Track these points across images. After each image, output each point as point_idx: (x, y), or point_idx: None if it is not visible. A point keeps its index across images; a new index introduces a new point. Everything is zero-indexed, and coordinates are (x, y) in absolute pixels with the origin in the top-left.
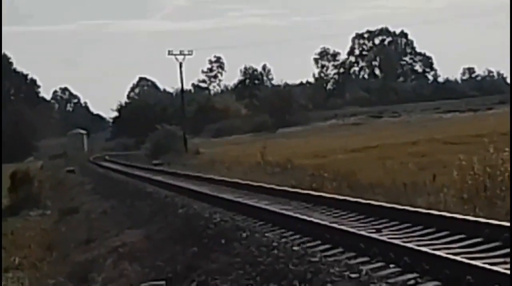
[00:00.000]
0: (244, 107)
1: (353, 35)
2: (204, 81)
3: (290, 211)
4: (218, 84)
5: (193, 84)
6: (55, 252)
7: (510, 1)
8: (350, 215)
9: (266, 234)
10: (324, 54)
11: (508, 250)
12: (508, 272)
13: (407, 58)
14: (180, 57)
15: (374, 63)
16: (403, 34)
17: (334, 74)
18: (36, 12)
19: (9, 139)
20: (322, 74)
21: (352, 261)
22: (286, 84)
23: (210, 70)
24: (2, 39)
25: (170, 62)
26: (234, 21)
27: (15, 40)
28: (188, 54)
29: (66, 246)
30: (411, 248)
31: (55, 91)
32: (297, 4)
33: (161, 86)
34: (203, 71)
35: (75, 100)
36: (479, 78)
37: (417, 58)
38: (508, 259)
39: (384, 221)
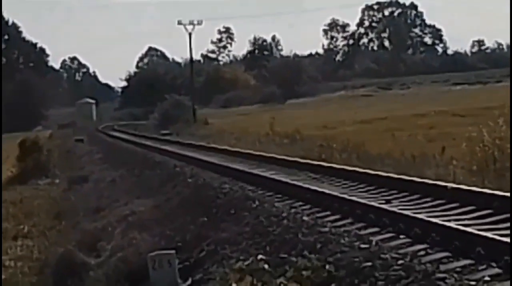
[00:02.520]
0: (253, 78)
1: (363, 6)
2: (213, 51)
3: (300, 181)
4: (227, 55)
5: (202, 55)
6: (64, 221)
7: None
8: (360, 186)
9: (276, 204)
10: (333, 25)
11: None
12: None
13: (416, 30)
14: (190, 27)
15: (383, 35)
16: (413, 6)
17: (344, 45)
18: None
19: (18, 109)
20: (332, 46)
21: (362, 232)
22: (295, 55)
23: (220, 40)
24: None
25: (180, 32)
26: None
27: (24, 9)
28: (198, 24)
29: (75, 214)
30: (421, 219)
31: (64, 61)
32: None
33: (170, 56)
34: (212, 42)
35: (84, 70)
36: (488, 51)
37: (427, 30)
38: None
39: (393, 192)
